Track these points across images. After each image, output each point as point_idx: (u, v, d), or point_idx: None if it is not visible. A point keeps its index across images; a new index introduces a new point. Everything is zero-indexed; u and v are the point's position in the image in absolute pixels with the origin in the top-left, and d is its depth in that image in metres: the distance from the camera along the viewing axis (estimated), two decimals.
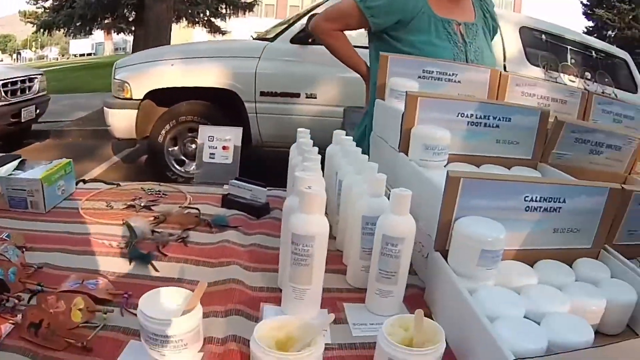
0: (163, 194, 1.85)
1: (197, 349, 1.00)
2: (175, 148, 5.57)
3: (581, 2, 33.63)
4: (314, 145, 1.49)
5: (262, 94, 5.24)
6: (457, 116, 1.60)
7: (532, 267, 1.26)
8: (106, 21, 17.66)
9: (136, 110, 5.26)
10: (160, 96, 5.31)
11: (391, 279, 1.16)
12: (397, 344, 0.89)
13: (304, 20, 5.18)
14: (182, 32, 18.54)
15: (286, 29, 5.51)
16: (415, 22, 2.14)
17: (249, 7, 18.49)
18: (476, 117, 1.62)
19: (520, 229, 1.24)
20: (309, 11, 5.63)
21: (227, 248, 1.44)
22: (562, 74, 6.06)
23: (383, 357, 0.91)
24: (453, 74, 1.95)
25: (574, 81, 6.17)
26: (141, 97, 5.24)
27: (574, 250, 1.33)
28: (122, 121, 5.34)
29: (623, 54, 7.30)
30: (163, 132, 5.39)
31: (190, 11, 17.23)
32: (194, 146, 5.36)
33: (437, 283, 1.22)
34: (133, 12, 16.02)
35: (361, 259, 1.28)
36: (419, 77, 1.91)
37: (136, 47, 12.37)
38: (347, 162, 1.52)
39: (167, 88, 5.23)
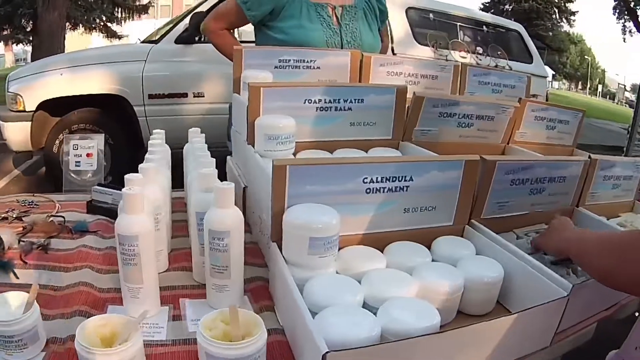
0: (35, 205, 1.85)
1: (39, 348, 1.00)
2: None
3: None
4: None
5: (150, 96, 5.15)
6: (305, 103, 1.56)
7: (382, 251, 1.22)
8: (4, 32, 17.06)
9: (29, 122, 5.07)
10: (52, 106, 5.12)
11: (224, 274, 1.13)
12: (211, 338, 0.88)
13: (187, 20, 5.15)
14: (80, 39, 18.05)
15: (170, 29, 5.44)
16: (286, 9, 2.17)
17: (144, 10, 18.29)
18: (325, 102, 1.58)
19: (364, 212, 1.21)
20: (190, 11, 5.59)
21: (83, 252, 1.43)
22: (452, 51, 6.16)
23: (201, 352, 0.91)
24: (311, 61, 1.92)
25: (465, 57, 6.28)
26: (34, 109, 5.05)
27: (433, 228, 1.30)
28: (17, 134, 5.13)
29: (516, 26, 7.50)
30: (57, 142, 5.17)
31: (85, 17, 16.80)
32: None
33: (275, 274, 1.19)
34: (30, 22, 15.58)
35: (200, 254, 1.25)
36: (276, 67, 1.87)
37: (35, 57, 12.03)
38: (193, 159, 1.49)
39: (58, 97, 5.05)
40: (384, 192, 1.18)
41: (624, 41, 29.78)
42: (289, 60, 1.88)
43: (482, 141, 1.92)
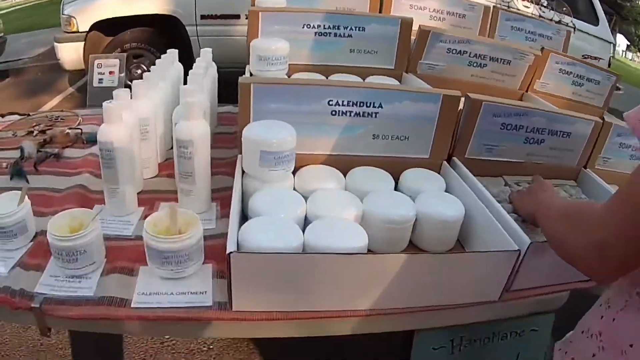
0: (61, 119, 1.96)
1: (27, 239, 1.15)
2: (122, 75, 5.49)
3: None
4: None
5: (203, 17, 5.17)
6: (303, 27, 1.57)
7: (346, 174, 1.22)
8: None
9: (83, 43, 5.21)
10: (106, 27, 5.23)
11: (188, 179, 1.18)
12: (150, 233, 0.96)
13: None
14: None
15: None
16: None
17: None
18: (324, 28, 1.58)
19: (329, 134, 1.21)
20: None
21: (88, 160, 1.55)
22: None
23: (145, 245, 0.99)
24: None
25: (528, 7, 6.05)
26: (87, 30, 5.19)
27: (407, 159, 1.28)
28: (70, 54, 5.29)
29: None
30: None
31: None
32: (139, 71, 5.29)
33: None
34: None
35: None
36: None
37: None
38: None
39: (112, 18, 5.15)
40: (350, 115, 1.18)
41: None
42: None
43: (496, 84, 1.86)
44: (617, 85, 6.41)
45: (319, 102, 1.15)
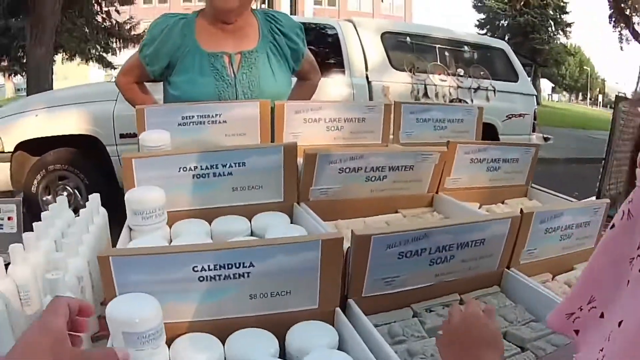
0: None
1: None
2: (49, 197, 5.49)
3: None
4: None
5: (122, 136, 5.17)
6: (179, 171, 1.48)
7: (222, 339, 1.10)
8: (2, 63, 17.32)
9: (9, 163, 5.17)
10: (31, 146, 5.22)
11: None
12: None
13: None
14: (78, 70, 18.15)
15: None
16: (181, 62, 2.08)
17: (138, 40, 17.89)
18: (201, 169, 1.50)
19: (201, 300, 1.09)
20: None
21: None
22: (431, 75, 6.08)
23: None
24: (216, 115, 1.85)
25: (444, 80, 6.20)
26: (12, 150, 5.16)
27: (293, 313, 1.15)
28: None
29: (500, 44, 7.43)
30: (35, 182, 5.35)
31: (80, 48, 16.92)
32: (65, 194, 5.25)
33: None
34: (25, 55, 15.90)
35: None
36: (179, 124, 1.81)
37: (28, 90, 12.28)
38: None
39: (36, 138, 5.14)
40: (220, 279, 1.07)
41: (621, 49, 29.58)
42: (192, 116, 1.82)
43: (401, 193, 1.77)
44: (545, 136, 6.54)
45: (183, 269, 1.05)
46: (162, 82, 2.22)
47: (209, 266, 1.05)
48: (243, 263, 1.07)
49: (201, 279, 1.06)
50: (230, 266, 1.07)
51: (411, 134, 2.32)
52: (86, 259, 1.29)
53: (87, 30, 16.85)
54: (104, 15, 17.52)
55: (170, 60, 2.07)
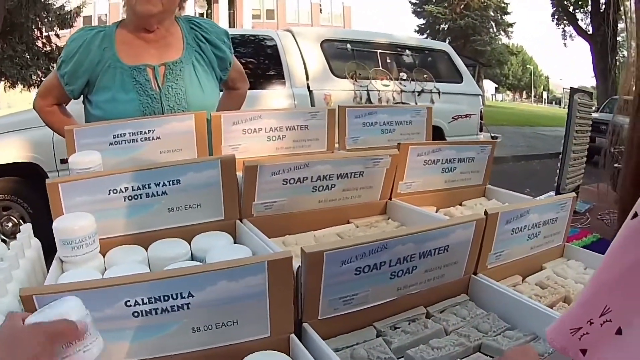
0: None
1: None
2: None
3: (409, 2, 35.19)
4: None
5: (63, 161, 4.92)
6: (110, 194, 1.36)
7: None
8: None
9: None
10: None
11: None
12: None
13: None
14: (21, 97, 17.70)
15: None
16: (101, 79, 1.95)
17: None
18: (132, 190, 1.38)
19: (137, 338, 0.98)
20: None
21: None
22: (373, 80, 6.06)
23: None
24: (149, 131, 1.74)
25: (387, 85, 6.19)
26: None
27: (244, 344, 1.05)
28: None
29: (443, 46, 7.49)
30: None
31: (22, 74, 16.55)
32: (10, 224, 5.05)
33: None
34: None
35: None
36: (111, 144, 1.70)
37: None
38: None
39: None
40: (156, 313, 0.96)
41: (565, 46, 30.44)
42: (124, 134, 1.70)
43: (352, 201, 1.68)
44: (493, 135, 6.62)
45: (114, 305, 0.94)
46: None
47: (142, 300, 0.95)
48: (181, 293, 0.96)
49: (135, 314, 0.96)
50: (166, 298, 0.96)
51: (358, 139, 2.24)
52: (16, 296, 1.16)
53: (28, 56, 16.68)
54: (44, 40, 17.39)
55: (89, 77, 1.94)
